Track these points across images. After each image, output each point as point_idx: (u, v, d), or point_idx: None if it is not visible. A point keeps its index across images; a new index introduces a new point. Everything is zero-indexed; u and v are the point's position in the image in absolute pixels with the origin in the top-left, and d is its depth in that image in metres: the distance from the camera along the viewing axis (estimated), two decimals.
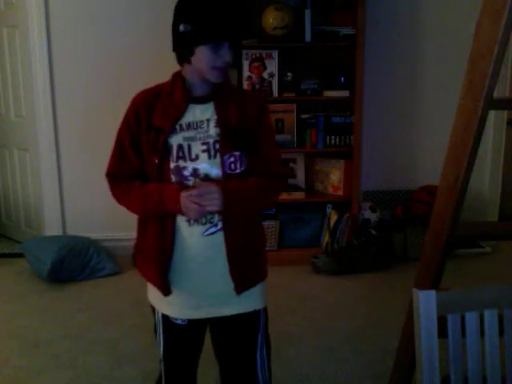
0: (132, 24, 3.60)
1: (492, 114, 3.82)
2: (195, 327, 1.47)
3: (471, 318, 1.08)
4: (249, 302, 1.44)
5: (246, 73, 3.45)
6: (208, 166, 1.33)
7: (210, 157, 1.34)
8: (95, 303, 3.00)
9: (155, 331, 1.52)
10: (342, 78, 3.53)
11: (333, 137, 3.58)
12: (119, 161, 1.41)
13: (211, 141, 1.34)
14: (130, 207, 1.42)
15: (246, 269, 1.40)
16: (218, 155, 1.33)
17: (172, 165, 1.33)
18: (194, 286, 1.39)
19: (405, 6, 3.79)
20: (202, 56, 1.29)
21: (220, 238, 1.35)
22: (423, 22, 3.82)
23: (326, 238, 3.63)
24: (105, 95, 3.68)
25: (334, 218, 3.62)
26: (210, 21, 1.27)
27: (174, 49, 1.36)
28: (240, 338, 1.47)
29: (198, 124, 1.35)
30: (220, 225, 1.35)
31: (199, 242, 1.35)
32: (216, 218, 1.34)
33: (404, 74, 3.87)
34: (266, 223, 3.54)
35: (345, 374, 2.24)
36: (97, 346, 2.49)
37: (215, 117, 1.35)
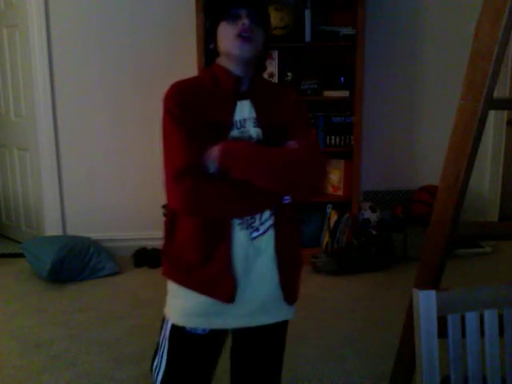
0: (132, 24, 3.59)
1: (492, 113, 3.82)
2: (216, 337, 1.36)
3: (471, 317, 1.08)
4: (289, 309, 1.39)
5: None
6: None
7: None
8: (95, 303, 3.00)
9: (154, 355, 1.37)
10: (342, 78, 3.53)
11: (333, 137, 3.58)
12: (192, 149, 1.20)
13: (253, 142, 1.26)
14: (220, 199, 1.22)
15: (292, 274, 1.36)
16: None
17: None
18: (243, 293, 1.29)
19: (405, 6, 3.79)
20: (222, 32, 1.25)
21: (266, 241, 1.28)
22: (423, 22, 3.82)
23: (325, 238, 3.63)
24: (105, 95, 3.68)
25: (334, 218, 3.62)
26: None
27: (207, 47, 1.32)
28: (268, 349, 1.42)
29: (241, 123, 1.27)
30: (262, 229, 1.28)
31: (248, 246, 1.27)
32: (257, 222, 1.27)
33: (404, 74, 3.87)
34: None
35: (345, 373, 2.24)
36: (97, 346, 2.49)
37: (254, 115, 1.28)
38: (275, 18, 3.35)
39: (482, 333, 1.09)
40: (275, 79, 3.45)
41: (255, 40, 1.26)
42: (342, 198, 3.66)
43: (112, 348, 2.46)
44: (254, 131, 1.27)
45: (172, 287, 1.34)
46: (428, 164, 3.91)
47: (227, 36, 1.24)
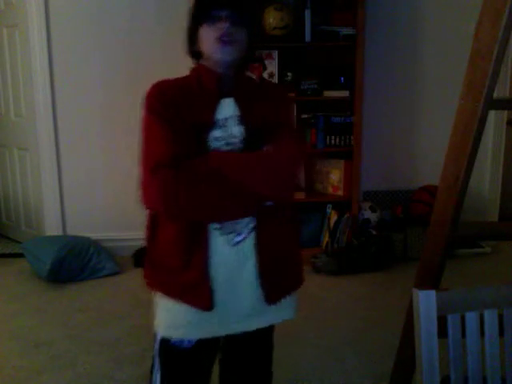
0: (132, 24, 3.59)
1: (492, 114, 3.82)
2: (205, 348, 1.33)
3: (471, 317, 1.08)
4: (281, 311, 1.36)
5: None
6: None
7: None
8: (95, 303, 3.00)
9: (151, 370, 1.35)
10: (342, 78, 3.53)
11: (333, 137, 3.58)
12: (172, 143, 1.18)
13: (236, 141, 1.25)
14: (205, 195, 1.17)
15: (278, 277, 1.31)
16: None
17: None
18: (223, 299, 1.27)
19: (405, 6, 3.79)
20: (203, 35, 1.23)
21: (249, 246, 1.26)
22: (423, 22, 3.82)
23: (325, 238, 3.63)
24: (105, 95, 3.68)
25: (333, 218, 3.62)
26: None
27: (188, 51, 1.31)
28: (259, 354, 1.41)
29: (224, 121, 1.26)
30: (245, 233, 1.25)
31: (229, 251, 1.25)
32: (239, 226, 1.25)
33: (404, 74, 3.87)
34: None
35: (345, 373, 2.24)
36: (97, 345, 2.49)
37: (237, 113, 1.26)
38: (275, 17, 3.35)
39: (482, 333, 1.09)
40: (275, 79, 3.45)
41: (237, 42, 1.23)
42: (342, 197, 3.66)
43: (112, 348, 2.46)
44: (236, 130, 1.25)
45: (157, 297, 1.32)
46: (428, 164, 3.91)
47: (208, 39, 1.23)
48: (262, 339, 1.41)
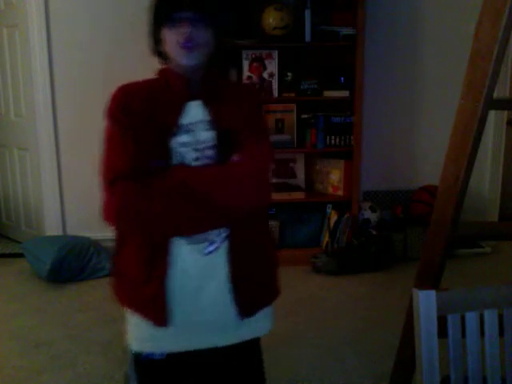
0: (133, 24, 3.59)
1: (492, 113, 3.82)
2: (181, 360, 1.27)
3: (471, 317, 1.08)
4: (255, 326, 1.28)
5: (246, 73, 3.45)
6: None
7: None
8: (95, 303, 3.00)
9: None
10: (342, 78, 3.53)
11: (333, 137, 3.58)
12: (132, 155, 1.14)
13: (201, 147, 1.17)
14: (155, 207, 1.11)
15: (252, 290, 1.24)
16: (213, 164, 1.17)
17: None
18: (189, 313, 1.21)
19: (405, 6, 3.79)
20: (166, 38, 1.16)
21: (221, 256, 1.20)
22: (423, 22, 3.82)
23: (325, 238, 3.63)
24: (105, 95, 3.67)
25: (333, 218, 3.62)
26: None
27: (153, 51, 1.25)
28: (245, 366, 1.34)
29: (190, 126, 1.18)
30: (219, 241, 1.19)
31: (197, 263, 1.19)
32: (213, 234, 1.18)
33: (404, 74, 3.87)
34: None
35: (345, 373, 2.24)
36: (97, 346, 2.49)
37: (206, 118, 1.19)
38: (275, 17, 3.35)
39: (482, 333, 1.09)
40: (275, 79, 3.45)
41: (201, 46, 1.16)
42: (342, 197, 3.66)
43: (112, 348, 2.46)
44: (205, 135, 1.18)
45: (125, 311, 1.28)
46: (428, 164, 3.91)
47: (171, 43, 1.16)
48: (245, 351, 1.32)
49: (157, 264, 1.17)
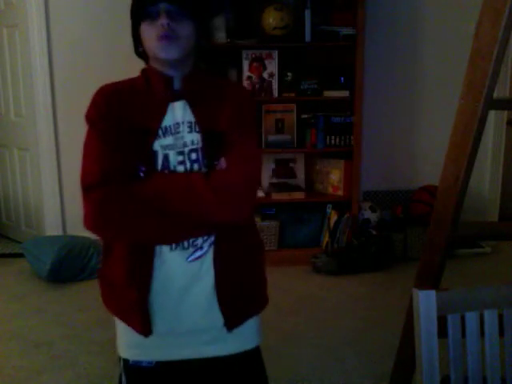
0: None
1: (492, 113, 3.82)
2: (170, 368, 1.22)
3: (471, 317, 1.08)
4: (243, 338, 1.22)
5: (245, 73, 3.45)
6: None
7: (185, 170, 1.12)
8: (95, 303, 2.98)
9: None
10: (342, 78, 3.53)
11: (333, 137, 3.58)
12: (108, 161, 1.08)
13: (186, 150, 1.12)
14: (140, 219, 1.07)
15: (239, 299, 1.19)
16: (196, 167, 1.11)
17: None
18: (173, 321, 1.17)
19: (405, 6, 3.79)
20: (144, 34, 1.13)
21: (207, 263, 1.14)
22: (423, 22, 3.82)
23: (325, 238, 3.63)
24: None
25: (333, 218, 3.62)
26: None
27: (136, 52, 1.24)
28: (243, 379, 1.26)
29: (174, 128, 1.12)
30: (206, 247, 1.14)
31: (182, 269, 1.14)
32: (200, 240, 1.13)
33: (404, 74, 3.87)
34: (265, 223, 3.54)
35: (345, 373, 2.24)
36: (97, 346, 2.49)
37: (191, 119, 1.13)
38: (275, 17, 3.35)
39: (482, 333, 1.09)
40: (275, 79, 3.45)
41: (181, 38, 1.10)
42: (342, 197, 3.66)
43: (112, 348, 2.45)
44: (189, 137, 1.12)
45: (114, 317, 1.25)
46: (428, 164, 3.91)
47: (149, 37, 1.11)
48: (240, 362, 1.24)
49: (140, 270, 1.14)
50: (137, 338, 1.18)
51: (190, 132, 1.12)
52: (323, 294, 3.12)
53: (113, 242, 1.18)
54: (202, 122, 1.13)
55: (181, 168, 1.11)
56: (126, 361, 1.24)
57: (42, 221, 3.84)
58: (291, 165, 3.73)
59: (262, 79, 3.46)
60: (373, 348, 2.43)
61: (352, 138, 3.57)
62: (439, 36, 3.83)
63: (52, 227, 3.79)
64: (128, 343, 1.23)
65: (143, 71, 1.21)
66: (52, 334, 2.62)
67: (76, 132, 3.71)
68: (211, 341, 1.19)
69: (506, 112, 3.97)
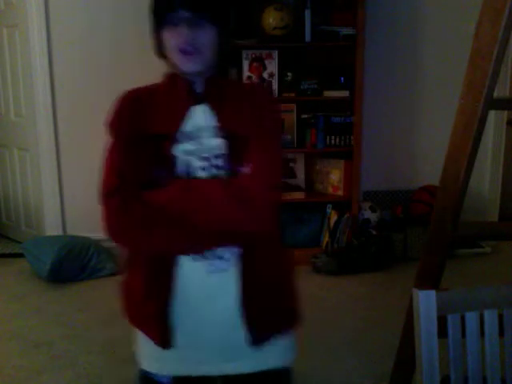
0: (133, 24, 3.59)
1: (492, 113, 3.82)
2: None
3: (471, 317, 1.08)
4: (268, 356, 1.17)
5: (245, 73, 3.45)
6: None
7: (207, 176, 1.08)
8: (95, 303, 3.00)
9: None
10: (342, 78, 3.53)
11: (333, 137, 3.58)
12: (124, 169, 1.08)
13: (208, 155, 1.08)
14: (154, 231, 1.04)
15: (265, 314, 1.13)
16: (219, 173, 1.07)
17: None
18: (193, 335, 1.13)
19: (405, 6, 3.79)
20: (165, 41, 1.07)
21: (231, 275, 1.09)
22: (423, 22, 3.82)
23: (325, 238, 3.63)
24: (105, 95, 3.67)
25: (333, 218, 3.62)
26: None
27: (156, 53, 1.16)
28: None
29: (196, 133, 1.09)
30: (230, 258, 1.09)
31: (204, 281, 1.09)
32: (223, 251, 1.09)
33: (404, 74, 3.87)
34: None
35: (345, 373, 2.24)
36: (97, 345, 2.49)
37: (214, 124, 1.09)
38: (275, 17, 3.35)
39: (482, 333, 1.09)
40: (275, 79, 3.45)
41: (203, 49, 1.05)
42: (342, 197, 3.66)
43: (112, 348, 2.46)
44: (211, 143, 1.08)
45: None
46: (428, 164, 3.91)
47: (169, 46, 1.06)
48: (267, 381, 1.20)
49: (159, 281, 1.10)
50: (155, 350, 1.15)
51: (213, 137, 1.08)
52: (323, 293, 3.12)
53: (131, 251, 1.16)
54: (225, 127, 1.09)
55: (202, 174, 1.08)
56: (142, 371, 1.23)
57: (42, 221, 3.84)
58: (291, 165, 3.73)
59: (262, 79, 3.45)
60: (373, 348, 2.43)
61: (352, 137, 3.57)
62: (439, 36, 3.83)
63: (52, 227, 3.79)
64: (148, 355, 1.20)
65: (165, 75, 1.17)
66: (52, 333, 2.62)
67: (76, 132, 3.74)
68: (232, 357, 1.14)
69: (505, 112, 3.97)
